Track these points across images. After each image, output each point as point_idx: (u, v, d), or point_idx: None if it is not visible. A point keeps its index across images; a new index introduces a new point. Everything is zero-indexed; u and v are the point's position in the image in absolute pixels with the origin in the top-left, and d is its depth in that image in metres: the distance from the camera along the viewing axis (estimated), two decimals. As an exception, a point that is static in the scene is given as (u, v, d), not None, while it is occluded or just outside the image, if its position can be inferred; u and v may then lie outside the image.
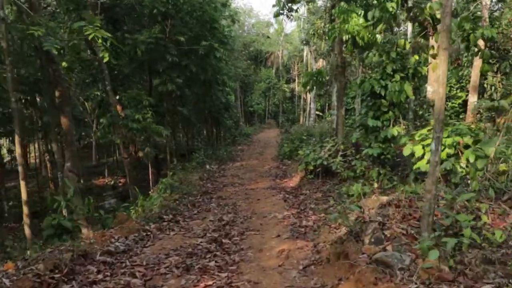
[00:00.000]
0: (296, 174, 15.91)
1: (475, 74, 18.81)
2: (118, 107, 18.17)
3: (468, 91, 22.10)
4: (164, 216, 10.86)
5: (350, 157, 14.44)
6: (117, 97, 21.11)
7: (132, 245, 8.20)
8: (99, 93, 21.92)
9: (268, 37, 59.94)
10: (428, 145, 9.94)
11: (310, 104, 47.82)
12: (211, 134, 32.30)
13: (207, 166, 19.61)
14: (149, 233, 9.15)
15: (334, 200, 11.64)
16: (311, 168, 14.43)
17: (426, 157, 10.06)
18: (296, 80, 58.40)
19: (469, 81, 22.37)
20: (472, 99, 18.82)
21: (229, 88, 38.54)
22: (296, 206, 11.67)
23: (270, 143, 33.59)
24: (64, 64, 22.90)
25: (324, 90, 47.13)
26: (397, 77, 12.29)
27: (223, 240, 8.44)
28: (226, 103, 31.00)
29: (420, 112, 19.19)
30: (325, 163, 14.10)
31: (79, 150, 40.20)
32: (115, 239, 8.30)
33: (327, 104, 50.09)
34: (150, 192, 15.56)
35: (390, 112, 12.54)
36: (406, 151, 10.37)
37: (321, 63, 52.57)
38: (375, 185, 11.91)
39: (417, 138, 10.71)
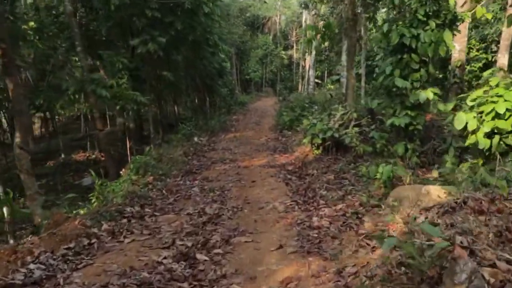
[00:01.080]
0: (299, 149, 12.92)
1: (508, 31, 15.62)
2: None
3: (493, 52, 19.01)
4: (127, 209, 7.88)
5: (365, 128, 11.47)
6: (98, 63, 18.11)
7: (57, 266, 5.24)
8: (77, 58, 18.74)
9: (265, 1, 56.05)
10: (489, 112, 6.93)
11: (309, 71, 44.53)
12: (204, 102, 29.15)
13: (195, 139, 16.58)
14: (94, 240, 6.19)
15: (351, 184, 8.70)
16: (319, 141, 11.40)
17: (484, 129, 7.06)
18: (294, 47, 54.83)
19: (495, 41, 19.27)
20: (503, 60, 15.69)
21: (223, 53, 35.31)
22: (302, 191, 8.72)
23: (268, 112, 30.55)
24: (31, 24, 19.76)
25: (324, 55, 43.82)
26: (432, 24, 9.18)
27: (198, 256, 5.49)
28: (219, 68, 27.71)
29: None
30: (336, 135, 11.07)
31: (73, 121, 37.25)
32: (33, 257, 5.34)
33: (326, 72, 46.80)
34: (121, 172, 12.59)
35: (422, 70, 9.48)
36: (458, 122, 7.36)
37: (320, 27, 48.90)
38: (399, 163, 8.91)
39: (469, 103, 7.69)
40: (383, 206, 6.43)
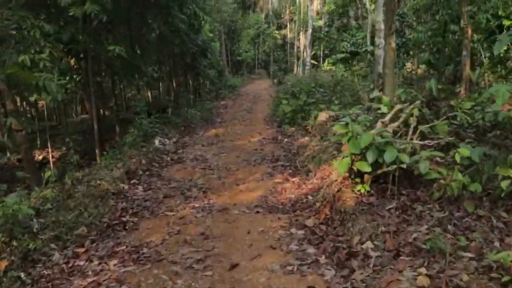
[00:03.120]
0: (320, 170, 6.97)
1: None
2: None
3: None
4: None
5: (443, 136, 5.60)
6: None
7: None
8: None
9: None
10: None
11: (305, 51, 38.45)
12: (186, 87, 23.04)
13: (156, 141, 10.58)
14: None
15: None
16: (367, 170, 5.35)
17: None
18: (288, 26, 48.48)
19: None
20: None
21: (209, 27, 29.18)
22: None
23: (261, 97, 24.66)
24: None
25: (324, 32, 37.43)
26: None
27: None
28: (202, 46, 21.55)
29: None
30: (406, 162, 5.05)
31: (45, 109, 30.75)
32: None
33: (322, 52, 40.59)
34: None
35: None
36: None
37: (316, 3, 42.73)
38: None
39: None
40: None
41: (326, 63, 37.07)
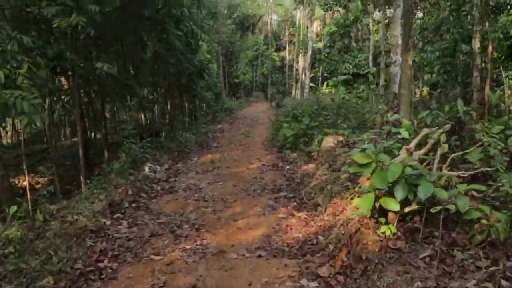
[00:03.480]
0: (331, 205, 6.02)
1: None
2: None
3: None
4: None
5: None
6: None
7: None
8: None
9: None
10: None
11: (303, 73, 37.84)
12: (181, 109, 22.24)
13: (146, 168, 9.67)
14: None
15: None
16: (396, 208, 4.33)
17: None
18: (287, 48, 48.05)
19: None
20: None
21: (205, 45, 28.43)
22: None
23: (259, 120, 23.91)
24: None
25: (324, 53, 36.84)
26: None
27: None
28: (199, 66, 20.83)
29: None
30: (444, 199, 4.15)
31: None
32: None
33: (320, 75, 39.93)
34: None
35: None
36: None
37: (316, 25, 42.29)
38: None
39: None
40: None
41: (324, 86, 36.51)
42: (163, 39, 13.39)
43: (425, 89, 22.75)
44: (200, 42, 20.84)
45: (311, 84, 34.99)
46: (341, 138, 9.56)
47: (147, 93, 19.50)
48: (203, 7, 18.74)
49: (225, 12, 43.44)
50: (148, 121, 21.11)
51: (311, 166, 9.61)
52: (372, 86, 22.76)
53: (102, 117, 13.86)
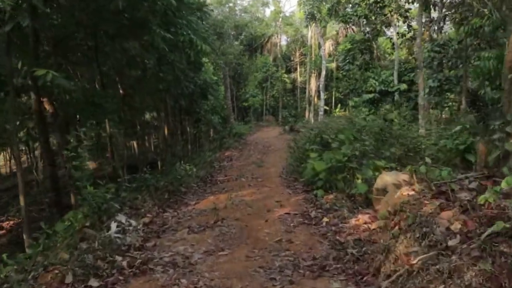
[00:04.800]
0: None
1: None
2: None
3: None
4: None
5: None
6: None
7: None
8: None
9: (262, 19, 46.61)
10: None
11: (317, 96, 34.66)
12: (182, 135, 18.99)
13: (112, 227, 6.31)
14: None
15: None
16: None
17: None
18: (298, 69, 45.03)
19: None
20: None
21: (210, 67, 25.50)
22: None
23: (271, 146, 20.71)
24: None
25: (342, 70, 33.72)
26: None
27: None
28: (203, 85, 17.71)
29: None
30: None
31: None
32: None
33: (333, 98, 36.69)
34: None
35: None
36: None
37: (329, 45, 39.26)
38: None
39: None
40: None
41: (338, 108, 33.52)
42: (148, 43, 10.22)
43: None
44: (204, 59, 17.88)
45: (325, 107, 31.88)
46: (405, 176, 6.21)
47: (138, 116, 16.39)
48: (205, 17, 15.69)
49: (232, 33, 40.74)
50: (142, 152, 17.85)
51: (362, 219, 6.27)
52: (402, 107, 19.61)
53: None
